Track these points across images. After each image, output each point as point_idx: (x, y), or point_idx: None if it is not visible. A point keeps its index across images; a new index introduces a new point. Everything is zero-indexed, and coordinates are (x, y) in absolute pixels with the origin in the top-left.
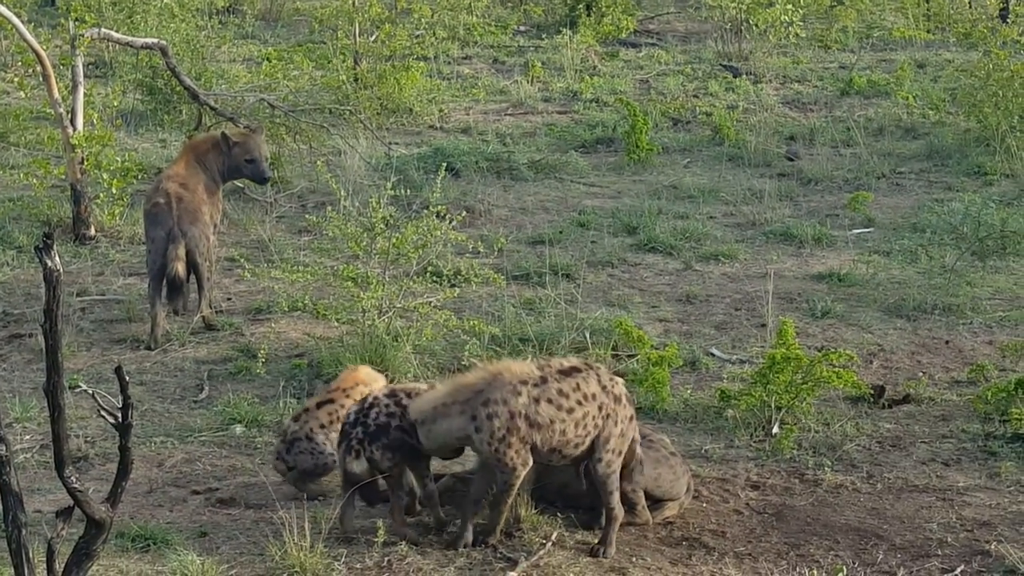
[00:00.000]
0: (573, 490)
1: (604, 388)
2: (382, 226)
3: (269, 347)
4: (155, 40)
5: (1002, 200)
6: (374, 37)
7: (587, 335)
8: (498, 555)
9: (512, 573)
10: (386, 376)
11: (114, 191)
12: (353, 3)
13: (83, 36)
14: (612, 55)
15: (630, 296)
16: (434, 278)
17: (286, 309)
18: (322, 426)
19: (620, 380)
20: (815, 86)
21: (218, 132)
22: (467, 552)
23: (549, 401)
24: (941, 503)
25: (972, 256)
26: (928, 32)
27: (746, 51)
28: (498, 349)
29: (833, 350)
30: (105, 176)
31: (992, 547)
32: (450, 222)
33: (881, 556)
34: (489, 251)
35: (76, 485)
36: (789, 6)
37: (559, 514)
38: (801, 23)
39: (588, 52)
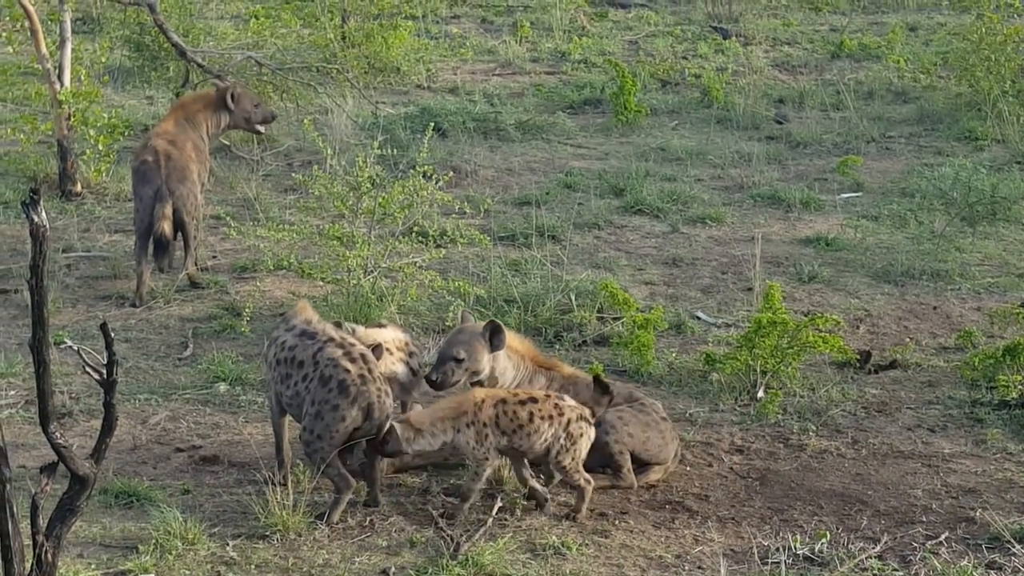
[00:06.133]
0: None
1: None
2: (368, 185)
3: (254, 305)
4: None
5: (992, 165)
6: None
7: (572, 297)
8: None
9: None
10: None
11: (101, 148)
12: None
13: None
14: (601, 16)
15: (616, 258)
16: (420, 238)
17: (271, 268)
18: None
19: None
20: (805, 49)
21: (211, 90)
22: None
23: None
24: (926, 469)
25: (961, 222)
26: None
27: (736, 13)
28: (483, 310)
29: (820, 315)
30: (92, 132)
31: (977, 514)
32: (436, 182)
33: (865, 522)
34: (475, 212)
35: (60, 441)
36: None
37: (543, 475)
38: None
39: (577, 13)
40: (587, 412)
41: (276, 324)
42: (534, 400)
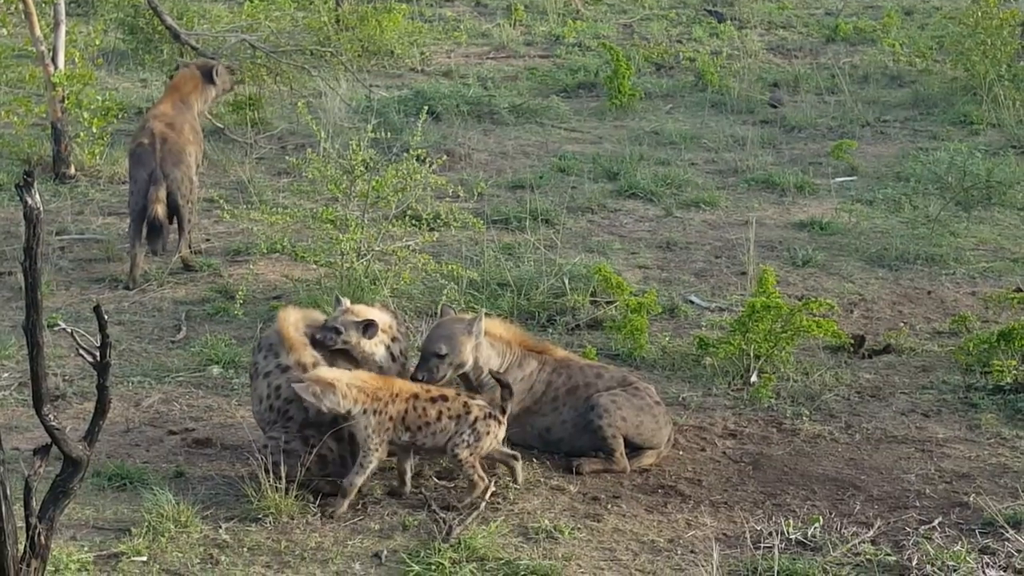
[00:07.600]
0: (554, 435)
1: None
2: (362, 169)
3: (247, 288)
4: None
5: (988, 150)
6: None
7: (566, 281)
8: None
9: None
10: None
11: (94, 130)
12: None
13: None
14: None
15: (610, 242)
16: (413, 222)
17: (265, 251)
18: None
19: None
20: (800, 32)
21: (194, 69)
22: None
23: None
24: (920, 454)
25: (956, 206)
26: None
27: None
28: (476, 294)
29: (814, 299)
30: (86, 115)
31: (971, 499)
32: (430, 166)
33: (858, 507)
34: (469, 195)
35: (54, 423)
36: None
37: (535, 458)
38: None
39: None
40: (497, 412)
41: (266, 340)
42: (444, 398)
